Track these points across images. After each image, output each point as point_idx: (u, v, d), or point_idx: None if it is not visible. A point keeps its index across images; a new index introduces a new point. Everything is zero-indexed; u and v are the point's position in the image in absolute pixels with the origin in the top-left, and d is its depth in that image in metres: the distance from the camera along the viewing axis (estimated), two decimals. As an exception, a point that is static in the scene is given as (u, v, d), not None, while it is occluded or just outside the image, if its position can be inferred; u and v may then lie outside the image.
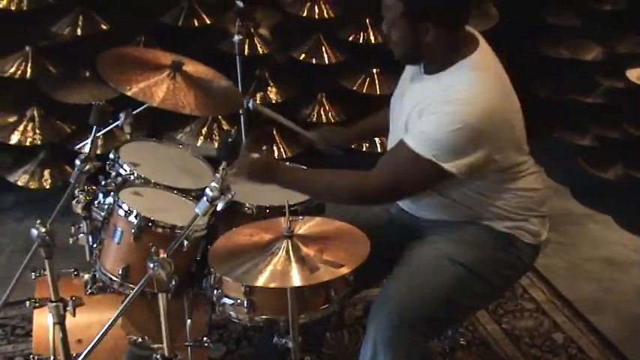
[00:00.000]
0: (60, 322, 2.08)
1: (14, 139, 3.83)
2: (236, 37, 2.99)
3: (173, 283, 2.23)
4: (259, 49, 4.00)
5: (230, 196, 1.75)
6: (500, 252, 2.33)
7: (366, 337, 2.23)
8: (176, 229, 2.25)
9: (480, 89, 2.18)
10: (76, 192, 2.35)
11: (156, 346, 1.63)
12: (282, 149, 4.16)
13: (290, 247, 1.97)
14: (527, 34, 4.40)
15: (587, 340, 3.07)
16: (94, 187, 2.40)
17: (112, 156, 2.51)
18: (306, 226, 2.12)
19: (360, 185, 2.25)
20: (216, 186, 1.73)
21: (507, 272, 2.36)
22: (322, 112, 4.18)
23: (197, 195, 2.48)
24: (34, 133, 3.85)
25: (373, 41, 4.02)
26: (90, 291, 2.43)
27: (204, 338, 2.38)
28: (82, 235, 2.40)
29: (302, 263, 1.94)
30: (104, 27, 3.78)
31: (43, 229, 1.97)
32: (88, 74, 3.81)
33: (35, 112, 3.87)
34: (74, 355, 2.30)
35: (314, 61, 4.07)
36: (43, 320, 2.38)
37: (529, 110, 4.41)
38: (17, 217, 4.00)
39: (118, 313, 1.78)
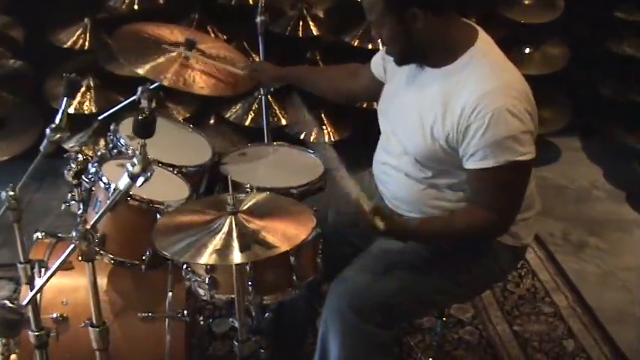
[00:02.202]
0: (28, 282, 2.18)
1: (72, 108, 4.00)
2: (259, 19, 3.03)
3: (148, 254, 2.32)
4: (312, 30, 4.01)
5: (149, 174, 1.78)
6: (472, 251, 2.27)
7: (321, 316, 2.24)
8: (151, 203, 2.29)
9: (509, 71, 2.14)
10: (70, 160, 2.43)
11: (23, 311, 1.67)
12: (330, 132, 4.17)
13: (233, 224, 1.97)
14: (593, 29, 4.21)
15: (600, 350, 2.94)
16: (88, 157, 2.47)
17: (112, 128, 2.59)
18: (253, 201, 2.11)
19: (480, 226, 2.16)
20: (136, 162, 1.76)
21: (477, 271, 2.29)
22: (372, 97, 4.16)
23: (188, 171, 2.54)
24: (90, 103, 4.01)
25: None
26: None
27: (184, 311, 2.44)
28: (73, 202, 2.49)
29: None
30: (160, 2, 3.89)
31: (12, 193, 2.07)
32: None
33: (92, 82, 4.03)
34: (56, 316, 2.44)
35: (369, 46, 4.02)
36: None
37: (591, 108, 4.28)
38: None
39: (53, 269, 1.83)
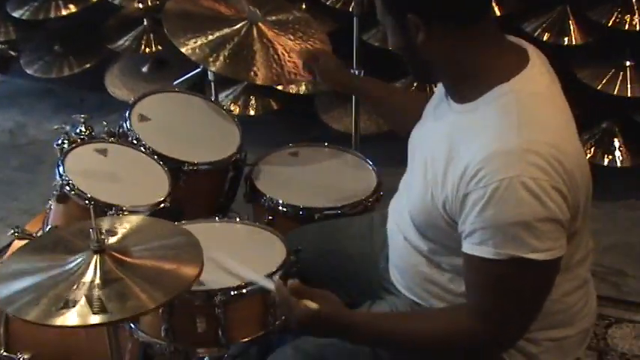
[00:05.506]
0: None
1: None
2: (354, -5, 2.53)
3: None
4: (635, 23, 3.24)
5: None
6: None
7: None
8: (98, 205, 1.92)
9: (548, 128, 1.46)
10: (62, 136, 2.16)
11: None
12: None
13: (98, 268, 1.52)
14: None
15: None
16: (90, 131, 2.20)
17: (131, 101, 2.29)
18: (128, 230, 1.65)
19: (460, 337, 1.55)
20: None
21: None
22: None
23: (197, 169, 2.18)
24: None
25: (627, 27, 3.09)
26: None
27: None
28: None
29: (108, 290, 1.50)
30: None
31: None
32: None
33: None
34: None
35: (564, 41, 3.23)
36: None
37: None
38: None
39: None
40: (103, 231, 1.59)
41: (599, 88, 3.19)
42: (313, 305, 1.56)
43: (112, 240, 1.60)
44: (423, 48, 1.50)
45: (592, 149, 3.28)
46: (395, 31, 1.54)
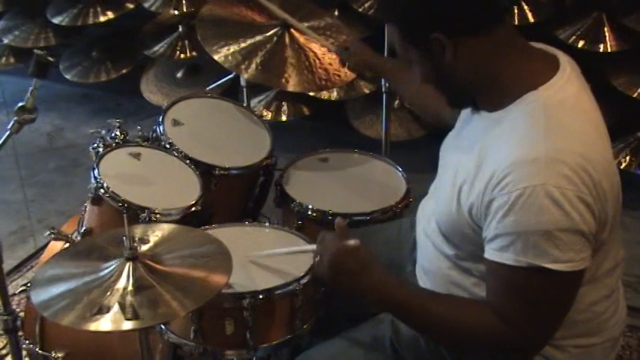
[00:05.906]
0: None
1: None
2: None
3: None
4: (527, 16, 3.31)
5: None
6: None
7: None
8: (131, 208, 1.96)
9: (576, 137, 1.44)
10: (97, 140, 2.20)
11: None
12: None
13: (131, 274, 1.55)
14: None
15: None
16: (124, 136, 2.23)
17: (164, 107, 2.32)
18: (159, 239, 1.68)
19: (484, 334, 1.52)
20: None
21: None
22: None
23: (228, 173, 2.21)
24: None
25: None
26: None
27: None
28: (97, 182, 2.27)
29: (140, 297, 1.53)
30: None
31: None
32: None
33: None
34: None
35: (598, 48, 3.23)
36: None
37: None
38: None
39: None
40: (136, 239, 1.63)
41: (634, 95, 3.17)
42: (353, 242, 1.54)
43: (145, 248, 1.63)
44: (453, 66, 1.50)
45: (627, 158, 3.24)
46: (422, 60, 1.54)
